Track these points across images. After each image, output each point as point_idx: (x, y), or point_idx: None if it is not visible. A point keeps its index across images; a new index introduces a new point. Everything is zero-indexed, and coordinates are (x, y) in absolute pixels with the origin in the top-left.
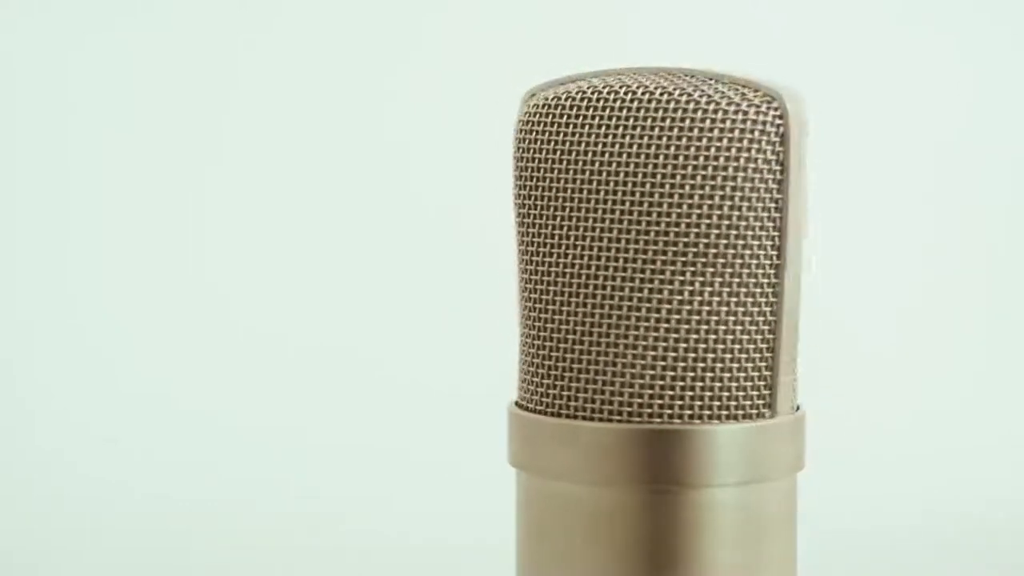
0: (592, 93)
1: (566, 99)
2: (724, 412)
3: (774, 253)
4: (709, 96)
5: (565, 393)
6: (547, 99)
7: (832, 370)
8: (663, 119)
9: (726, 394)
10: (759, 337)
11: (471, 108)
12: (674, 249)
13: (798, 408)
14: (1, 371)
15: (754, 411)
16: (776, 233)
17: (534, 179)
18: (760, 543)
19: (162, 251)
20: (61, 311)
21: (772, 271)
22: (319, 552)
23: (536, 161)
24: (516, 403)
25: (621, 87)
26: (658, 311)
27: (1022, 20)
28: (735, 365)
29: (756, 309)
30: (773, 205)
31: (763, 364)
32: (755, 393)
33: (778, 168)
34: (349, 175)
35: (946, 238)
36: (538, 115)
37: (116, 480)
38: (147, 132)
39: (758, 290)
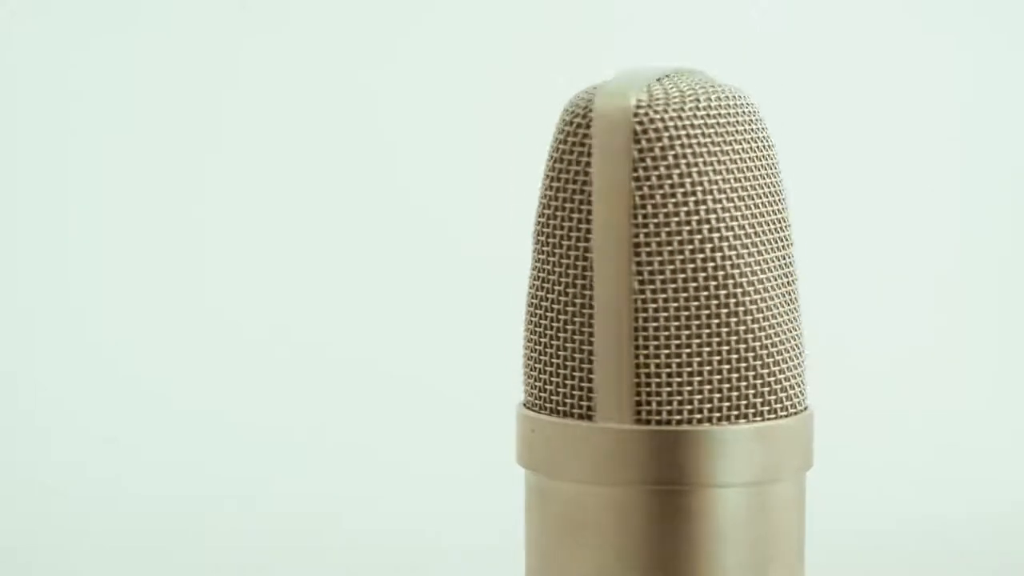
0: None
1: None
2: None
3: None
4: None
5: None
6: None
7: (841, 368)
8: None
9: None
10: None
11: (476, 111)
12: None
13: (806, 407)
14: (1, 371)
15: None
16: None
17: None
18: (769, 542)
19: (162, 252)
20: (61, 311)
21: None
22: (324, 552)
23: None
24: (525, 403)
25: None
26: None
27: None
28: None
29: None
30: (587, 210)
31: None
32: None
33: (586, 174)
34: (352, 175)
35: (957, 236)
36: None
37: (116, 480)
38: (146, 134)
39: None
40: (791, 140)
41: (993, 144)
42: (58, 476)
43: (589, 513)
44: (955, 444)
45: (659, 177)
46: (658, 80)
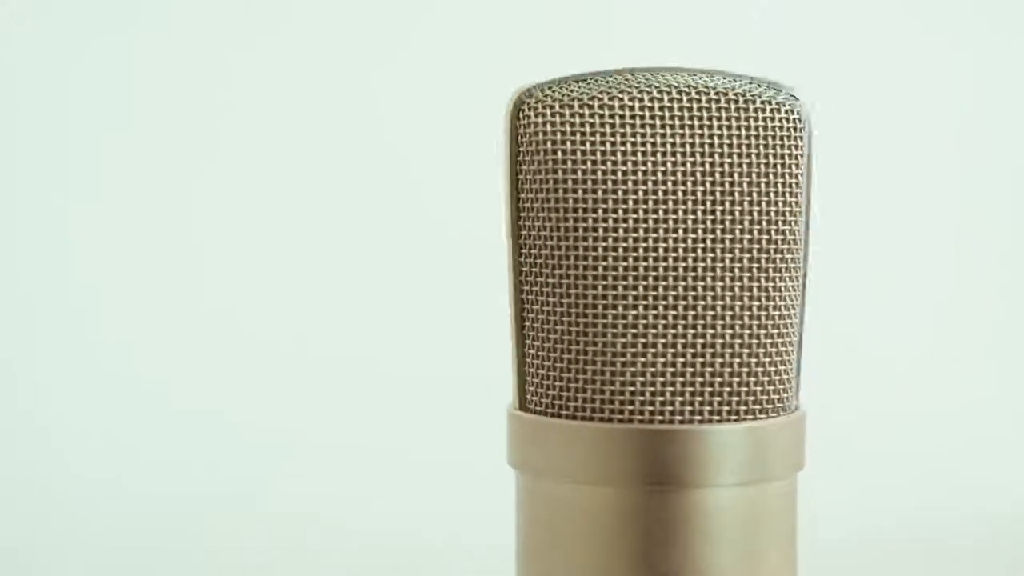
0: (622, 94)
1: (591, 100)
2: (727, 411)
3: (800, 250)
4: (754, 93)
5: (565, 393)
6: (564, 99)
7: (834, 368)
8: (708, 118)
9: (736, 396)
10: (786, 333)
11: (473, 108)
12: (721, 247)
13: (798, 407)
14: (1, 371)
15: (759, 409)
16: (803, 230)
17: (551, 180)
18: (761, 542)
19: (162, 252)
20: (61, 311)
21: (796, 267)
22: (319, 552)
23: (554, 163)
24: (515, 404)
25: (656, 87)
26: (675, 308)
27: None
28: (753, 360)
29: (784, 304)
30: (803, 198)
31: (783, 361)
32: (772, 389)
33: (804, 163)
34: (348, 176)
35: (947, 235)
36: (557, 116)
37: (116, 480)
38: (146, 134)
39: (789, 285)
40: None
41: (992, 145)
42: (58, 476)
43: (580, 513)
44: (952, 444)
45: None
46: None
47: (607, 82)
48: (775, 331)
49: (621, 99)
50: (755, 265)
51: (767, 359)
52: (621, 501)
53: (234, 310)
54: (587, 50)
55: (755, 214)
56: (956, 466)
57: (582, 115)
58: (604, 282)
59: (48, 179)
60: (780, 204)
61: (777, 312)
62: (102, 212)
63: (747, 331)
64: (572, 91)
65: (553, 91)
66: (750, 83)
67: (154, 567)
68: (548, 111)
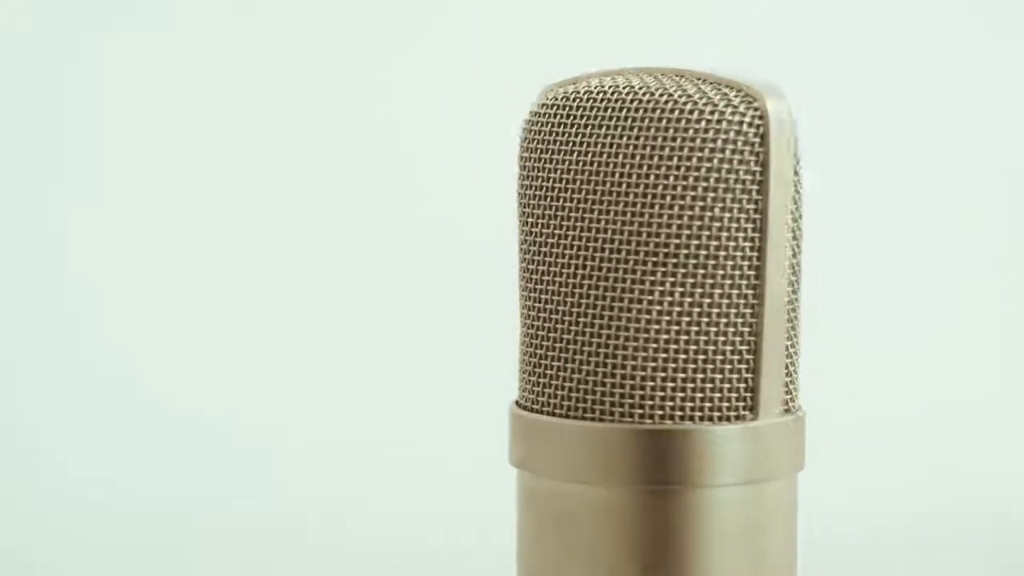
0: (584, 93)
1: (564, 99)
2: (716, 413)
3: (753, 254)
4: (688, 96)
5: (568, 393)
6: (548, 99)
7: (833, 369)
8: (642, 119)
9: (717, 395)
10: (737, 339)
11: (470, 107)
12: (654, 251)
13: (798, 408)
14: (1, 371)
15: (744, 412)
16: (756, 234)
17: (532, 178)
18: (760, 543)
19: (162, 252)
20: (60, 312)
21: (752, 272)
22: (319, 552)
23: (536, 160)
24: (517, 402)
25: (610, 87)
26: (648, 312)
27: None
28: (726, 367)
29: (734, 311)
30: (752, 207)
31: (743, 367)
32: (733, 395)
33: (757, 169)
34: (346, 174)
35: (948, 236)
36: (539, 115)
37: (116, 480)
38: (146, 134)
39: (735, 292)
40: None
41: (994, 143)
42: (56, 476)
43: (580, 513)
44: (953, 444)
45: None
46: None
47: (588, 83)
48: (749, 336)
49: (580, 98)
50: (720, 271)
51: (744, 362)
52: (620, 501)
53: (233, 311)
54: (588, 49)
55: (701, 220)
56: (957, 466)
57: (550, 116)
58: (593, 282)
59: (48, 179)
60: (717, 210)
61: (751, 315)
62: (101, 212)
63: (721, 334)
64: (557, 93)
65: (549, 92)
66: (713, 88)
67: (154, 567)
68: (535, 111)
